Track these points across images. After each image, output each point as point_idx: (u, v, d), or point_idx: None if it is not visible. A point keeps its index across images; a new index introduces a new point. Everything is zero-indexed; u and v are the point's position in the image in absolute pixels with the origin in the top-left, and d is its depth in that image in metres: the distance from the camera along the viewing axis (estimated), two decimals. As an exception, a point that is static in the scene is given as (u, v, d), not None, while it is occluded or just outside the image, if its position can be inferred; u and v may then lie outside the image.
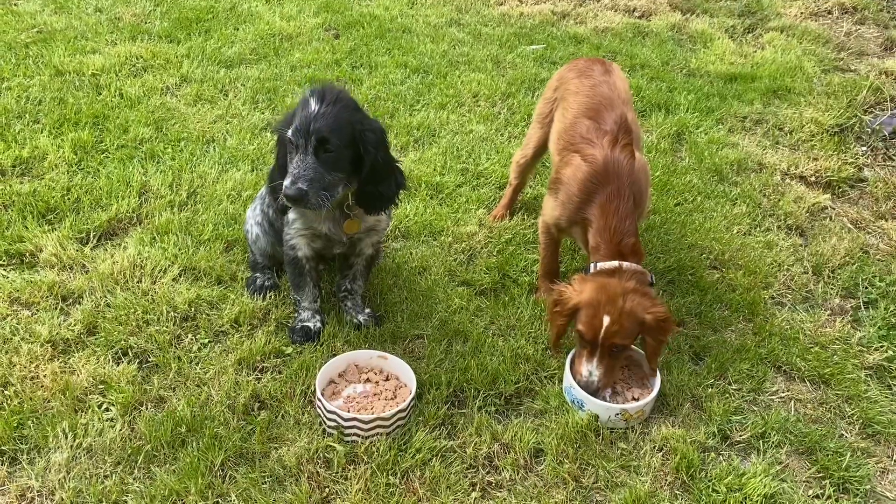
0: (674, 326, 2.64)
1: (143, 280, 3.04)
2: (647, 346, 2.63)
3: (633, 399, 2.68)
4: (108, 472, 2.28)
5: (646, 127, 4.38)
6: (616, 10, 6.22)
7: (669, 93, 4.79)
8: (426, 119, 4.35)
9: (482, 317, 3.06)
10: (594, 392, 2.59)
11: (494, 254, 3.40)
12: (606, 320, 2.51)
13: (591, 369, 2.58)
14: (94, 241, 3.26)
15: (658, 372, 2.70)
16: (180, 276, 3.09)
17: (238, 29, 5.37)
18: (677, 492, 2.39)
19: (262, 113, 4.35)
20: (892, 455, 2.60)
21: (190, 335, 2.83)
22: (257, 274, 3.12)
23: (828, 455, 2.54)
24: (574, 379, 2.64)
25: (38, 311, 2.86)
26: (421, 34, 5.46)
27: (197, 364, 2.72)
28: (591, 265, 2.70)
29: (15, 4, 5.58)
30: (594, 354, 2.59)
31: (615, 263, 2.64)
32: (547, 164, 3.77)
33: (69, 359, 2.66)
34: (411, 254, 3.35)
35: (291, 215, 2.74)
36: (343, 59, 5.00)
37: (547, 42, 5.49)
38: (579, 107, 2.97)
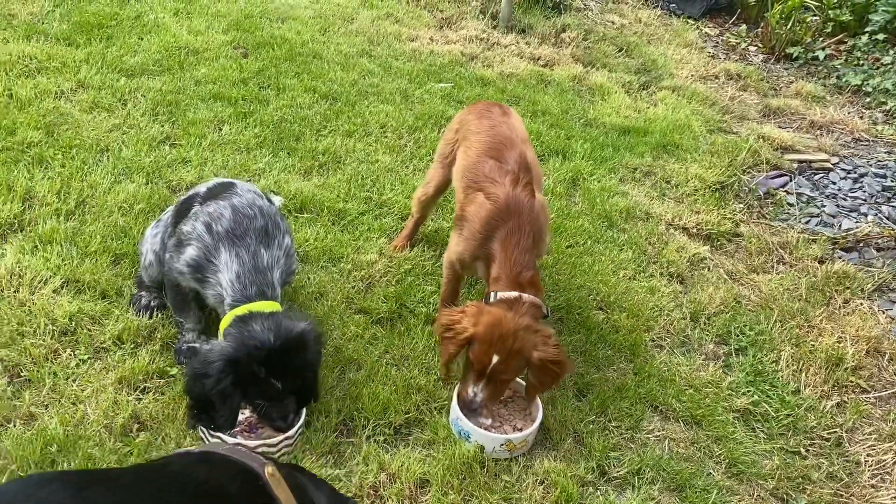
0: (566, 368, 2.68)
1: (20, 290, 2.88)
2: (528, 382, 2.72)
3: (517, 429, 2.75)
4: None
5: (544, 171, 4.55)
6: (522, 57, 6.45)
7: (567, 140, 5.00)
8: (332, 145, 4.35)
9: (377, 345, 3.07)
10: (474, 410, 2.65)
11: (393, 283, 3.42)
12: (495, 359, 2.57)
13: (475, 391, 2.66)
14: (-32, 246, 3.07)
15: (539, 402, 2.79)
16: (62, 289, 2.95)
17: (143, 39, 5.21)
18: (556, 524, 2.46)
19: (162, 126, 4.23)
20: (754, 493, 2.78)
21: (68, 350, 2.70)
22: (143, 293, 2.98)
23: (696, 492, 2.69)
24: (458, 397, 2.69)
25: None
26: (331, 61, 5.48)
27: (74, 381, 2.59)
28: (492, 294, 2.77)
29: None
30: (481, 380, 2.65)
31: (515, 294, 2.71)
32: (448, 199, 3.85)
33: (-70, 370, 2.49)
34: (309, 278, 3.32)
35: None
36: (250, 78, 4.94)
37: (455, 81, 5.63)
38: (481, 146, 3.07)
